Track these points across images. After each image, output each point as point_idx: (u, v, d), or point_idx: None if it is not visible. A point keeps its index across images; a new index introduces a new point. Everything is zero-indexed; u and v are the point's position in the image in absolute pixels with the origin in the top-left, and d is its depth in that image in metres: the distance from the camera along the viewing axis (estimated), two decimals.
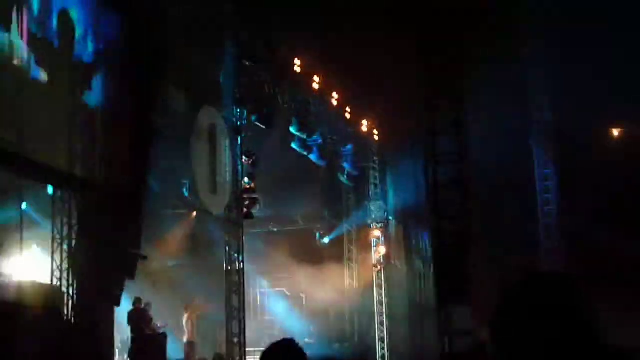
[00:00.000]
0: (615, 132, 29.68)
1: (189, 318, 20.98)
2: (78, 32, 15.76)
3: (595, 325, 2.28)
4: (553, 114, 29.83)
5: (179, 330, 21.05)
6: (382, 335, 28.24)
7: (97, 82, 16.21)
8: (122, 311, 17.97)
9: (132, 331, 19.04)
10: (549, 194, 30.73)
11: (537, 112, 30.37)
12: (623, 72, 25.13)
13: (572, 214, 28.95)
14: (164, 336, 18.40)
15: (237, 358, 20.57)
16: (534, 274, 2.39)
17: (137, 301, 19.54)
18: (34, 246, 17.52)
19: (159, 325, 19.70)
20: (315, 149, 24.60)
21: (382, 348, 28.05)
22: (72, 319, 15.98)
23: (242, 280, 21.35)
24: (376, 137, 28.05)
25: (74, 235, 16.57)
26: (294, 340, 4.82)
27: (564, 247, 29.63)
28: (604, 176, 26.12)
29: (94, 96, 16.16)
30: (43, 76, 14.79)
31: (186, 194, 19.74)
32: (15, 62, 14.11)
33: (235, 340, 20.76)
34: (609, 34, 25.01)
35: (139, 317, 19.14)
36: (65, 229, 16.66)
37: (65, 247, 16.56)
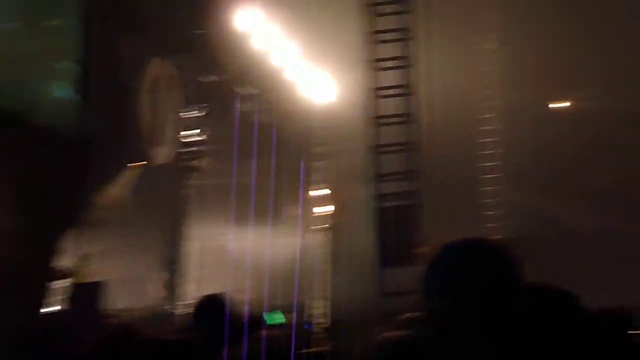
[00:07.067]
0: (564, 105, 29.90)
1: None
2: None
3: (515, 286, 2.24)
4: (503, 82, 29.94)
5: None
6: (325, 294, 28.34)
7: None
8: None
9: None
10: (494, 162, 30.85)
11: (486, 79, 30.46)
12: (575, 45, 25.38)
13: (515, 183, 29.23)
14: (98, 284, 18.29)
15: (169, 309, 20.59)
16: (448, 243, 2.36)
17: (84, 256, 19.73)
18: None
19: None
20: None
21: (325, 307, 28.15)
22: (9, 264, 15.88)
23: (182, 232, 21.31)
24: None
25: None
26: (224, 294, 4.89)
27: (506, 214, 29.93)
28: (549, 149, 26.44)
29: None
30: None
31: (132, 144, 19.58)
32: None
33: (169, 292, 20.77)
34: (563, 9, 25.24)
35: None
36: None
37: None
